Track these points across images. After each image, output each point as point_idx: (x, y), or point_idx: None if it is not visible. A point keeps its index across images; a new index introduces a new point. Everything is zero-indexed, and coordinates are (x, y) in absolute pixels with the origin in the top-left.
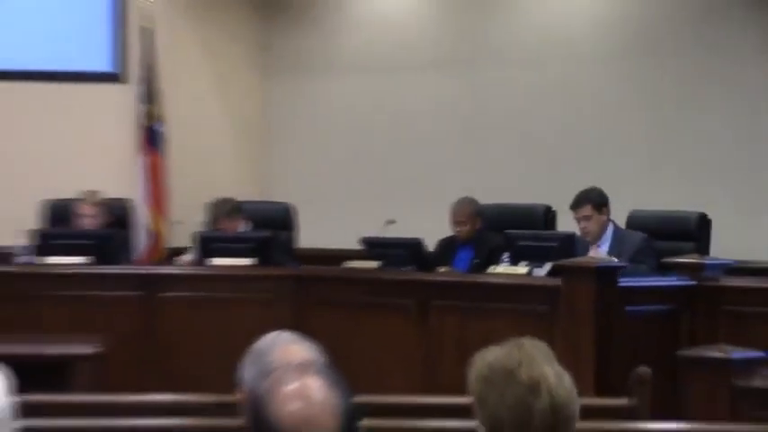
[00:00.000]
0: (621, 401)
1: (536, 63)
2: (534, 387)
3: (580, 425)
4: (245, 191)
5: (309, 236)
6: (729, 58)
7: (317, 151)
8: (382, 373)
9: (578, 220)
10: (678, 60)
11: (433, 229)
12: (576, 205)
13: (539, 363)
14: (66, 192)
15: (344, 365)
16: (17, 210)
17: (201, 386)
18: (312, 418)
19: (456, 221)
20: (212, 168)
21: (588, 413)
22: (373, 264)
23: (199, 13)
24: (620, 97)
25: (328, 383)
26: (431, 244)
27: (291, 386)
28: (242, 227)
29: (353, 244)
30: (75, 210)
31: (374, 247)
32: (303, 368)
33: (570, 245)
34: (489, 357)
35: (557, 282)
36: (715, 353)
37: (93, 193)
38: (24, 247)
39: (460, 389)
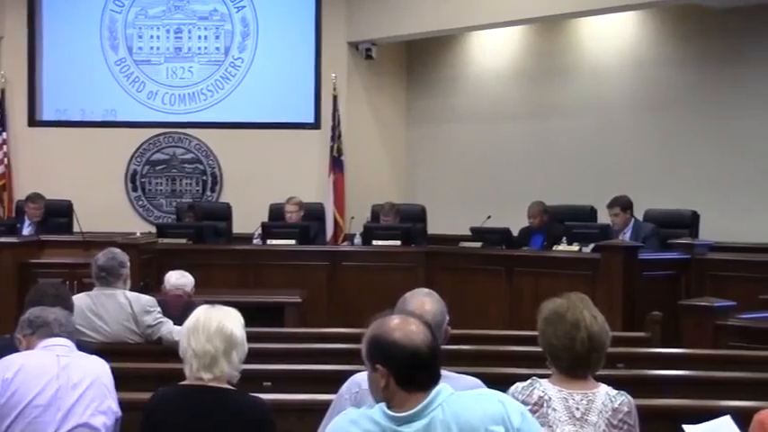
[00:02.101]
0: (640, 334)
1: (584, 113)
2: (576, 324)
3: (612, 349)
4: (394, 197)
5: (436, 226)
6: (710, 113)
7: (440, 171)
8: (483, 314)
9: (611, 216)
10: (674, 113)
11: (516, 222)
12: (611, 206)
13: (580, 308)
14: (284, 198)
15: (458, 309)
16: (255, 210)
17: (367, 322)
18: (417, 332)
19: (530, 216)
20: (374, 182)
21: (618, 342)
22: (478, 244)
23: (366, 83)
24: (639, 136)
25: (420, 321)
26: (515, 231)
27: (396, 320)
28: (395, 220)
29: (465, 231)
30: (287, 209)
31: (478, 233)
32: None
33: (606, 232)
34: (549, 305)
35: (597, 256)
36: (703, 302)
37: (292, 198)
38: (258, 234)
39: (533, 326)
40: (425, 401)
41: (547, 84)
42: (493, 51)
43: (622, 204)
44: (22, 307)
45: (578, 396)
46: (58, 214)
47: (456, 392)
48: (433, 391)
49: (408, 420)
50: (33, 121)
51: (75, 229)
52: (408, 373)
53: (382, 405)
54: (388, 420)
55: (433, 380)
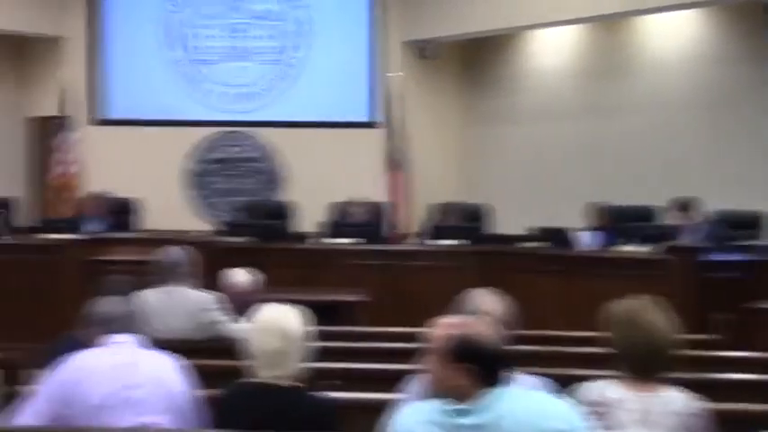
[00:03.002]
0: (708, 337)
1: (645, 111)
2: (644, 327)
3: (682, 352)
4: (453, 196)
5: (496, 225)
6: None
7: (500, 170)
8: (543, 314)
9: (674, 217)
10: (736, 111)
11: (575, 221)
12: (674, 208)
13: (650, 311)
14: (344, 197)
15: (519, 309)
16: (315, 208)
17: (430, 323)
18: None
19: (590, 215)
20: (432, 181)
21: (685, 344)
22: (536, 244)
23: (423, 82)
24: (702, 135)
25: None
26: (575, 230)
27: (469, 321)
28: (454, 220)
29: (525, 230)
30: (347, 208)
31: (537, 233)
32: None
33: (668, 232)
34: (617, 307)
35: (660, 257)
36: None
37: (357, 197)
38: (321, 233)
39: (594, 326)
40: (488, 395)
41: (606, 82)
42: (551, 50)
43: (686, 206)
44: (86, 304)
45: (646, 398)
46: (121, 212)
47: (517, 389)
48: (496, 387)
49: (471, 412)
50: (95, 121)
51: (139, 226)
52: (493, 370)
53: (444, 399)
54: (452, 412)
55: (506, 376)
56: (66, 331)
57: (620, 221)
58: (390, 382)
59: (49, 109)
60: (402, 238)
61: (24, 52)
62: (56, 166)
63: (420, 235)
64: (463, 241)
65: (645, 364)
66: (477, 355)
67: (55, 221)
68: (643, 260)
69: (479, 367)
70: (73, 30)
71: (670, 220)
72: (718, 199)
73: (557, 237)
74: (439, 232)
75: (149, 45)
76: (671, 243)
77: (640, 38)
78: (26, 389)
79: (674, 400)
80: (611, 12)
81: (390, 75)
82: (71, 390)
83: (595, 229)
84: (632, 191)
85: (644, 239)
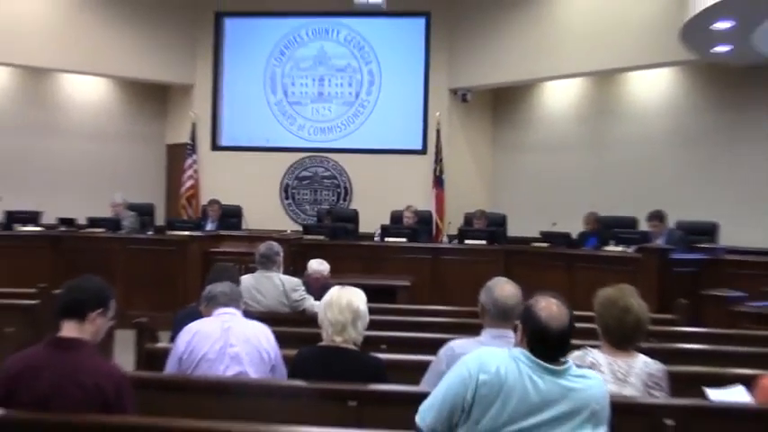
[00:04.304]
0: (670, 317)
1: (629, 146)
2: (627, 309)
3: (650, 328)
4: (482, 206)
5: (514, 230)
6: (726, 150)
7: (518, 188)
8: None
9: (650, 226)
10: (700, 147)
11: (575, 227)
12: (650, 219)
13: (629, 296)
14: (398, 206)
15: (530, 294)
16: (377, 214)
17: (459, 302)
18: (555, 315)
19: (586, 223)
20: (467, 195)
21: (653, 322)
22: (545, 244)
23: (462, 120)
24: (672, 164)
25: (560, 302)
26: (574, 235)
27: (544, 302)
28: (483, 224)
29: (536, 234)
30: (401, 215)
31: (546, 236)
32: (548, 295)
33: (645, 237)
34: (603, 293)
35: (638, 255)
36: (719, 293)
37: (410, 206)
38: (378, 233)
39: (588, 308)
40: (564, 367)
41: (602, 123)
42: (559, 96)
43: (659, 217)
44: (202, 284)
45: (621, 363)
46: (231, 215)
47: (577, 369)
48: (568, 363)
49: (550, 372)
50: (215, 147)
51: (244, 226)
52: (535, 342)
53: (526, 351)
54: (532, 363)
55: (557, 354)
56: (187, 305)
57: (611, 228)
58: (426, 347)
59: (183, 138)
60: (441, 238)
61: (166, 95)
62: (185, 181)
63: (455, 236)
64: (489, 241)
65: (623, 338)
66: (526, 322)
67: (182, 222)
68: (627, 258)
69: (525, 333)
70: (202, 78)
71: (648, 227)
72: (686, 212)
73: (563, 239)
74: (469, 234)
75: (257, 90)
76: (646, 245)
77: (629, 89)
78: (159, 346)
79: (642, 364)
80: (606, 68)
81: (437, 113)
82: (189, 348)
83: (590, 233)
84: (620, 205)
85: (629, 242)
